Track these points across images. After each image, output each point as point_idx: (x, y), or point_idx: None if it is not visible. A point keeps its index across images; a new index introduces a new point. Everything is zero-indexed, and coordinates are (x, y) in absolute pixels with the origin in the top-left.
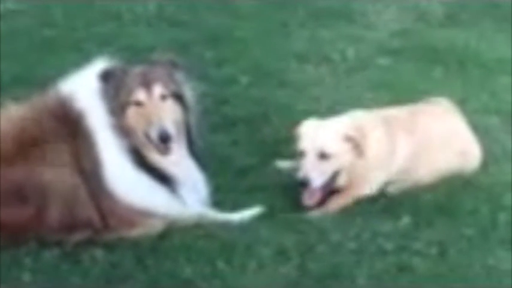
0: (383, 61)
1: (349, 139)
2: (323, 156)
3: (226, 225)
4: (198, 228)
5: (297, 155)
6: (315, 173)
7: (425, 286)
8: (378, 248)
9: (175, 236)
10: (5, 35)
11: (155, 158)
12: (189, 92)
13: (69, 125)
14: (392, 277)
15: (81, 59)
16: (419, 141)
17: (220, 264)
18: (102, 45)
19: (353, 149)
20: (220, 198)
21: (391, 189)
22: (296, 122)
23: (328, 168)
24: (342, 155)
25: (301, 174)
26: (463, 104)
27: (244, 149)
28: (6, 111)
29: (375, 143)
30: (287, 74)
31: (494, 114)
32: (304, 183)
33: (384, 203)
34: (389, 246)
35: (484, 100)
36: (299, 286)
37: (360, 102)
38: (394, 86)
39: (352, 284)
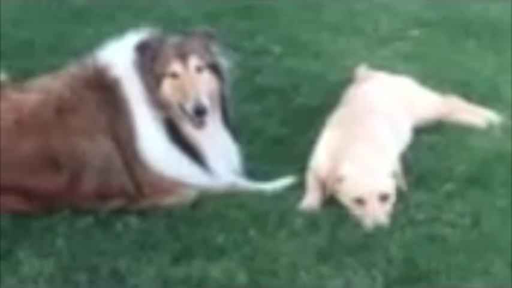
0: (416, 33)
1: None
2: (384, 198)
3: (258, 195)
4: (231, 198)
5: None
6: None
7: (456, 256)
8: (409, 219)
9: (208, 205)
10: (38, 5)
11: (189, 129)
12: (224, 63)
13: (105, 94)
14: (423, 247)
15: (115, 30)
16: None
17: (252, 233)
18: (136, 17)
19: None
20: (252, 168)
21: None
22: (328, 93)
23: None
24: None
25: (369, 222)
26: (495, 76)
27: (277, 119)
28: (45, 81)
29: None
30: (320, 45)
31: None
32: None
33: (417, 175)
34: (421, 217)
35: None
36: (330, 255)
37: (393, 74)
38: (427, 57)
39: (383, 253)
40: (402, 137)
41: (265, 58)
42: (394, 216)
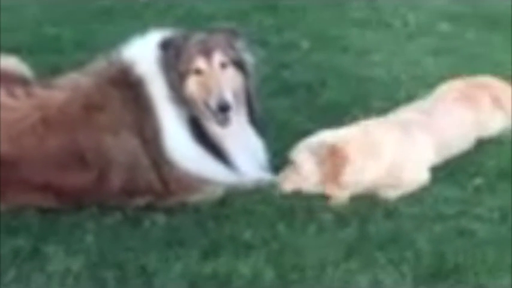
0: (443, 27)
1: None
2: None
3: (286, 191)
4: (258, 194)
5: None
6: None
7: (485, 250)
8: (438, 213)
9: (236, 201)
10: (65, 2)
11: (214, 126)
12: (249, 59)
13: (130, 92)
14: (452, 241)
15: (140, 27)
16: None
17: (280, 228)
18: (161, 14)
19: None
20: (280, 164)
21: None
22: (356, 88)
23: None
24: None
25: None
26: None
27: (304, 114)
28: (71, 79)
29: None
30: (347, 40)
31: None
32: None
33: (446, 169)
34: (450, 211)
35: None
36: (358, 251)
37: (420, 68)
38: (454, 51)
39: (411, 248)
40: (448, 149)
41: (293, 53)
42: (423, 210)
